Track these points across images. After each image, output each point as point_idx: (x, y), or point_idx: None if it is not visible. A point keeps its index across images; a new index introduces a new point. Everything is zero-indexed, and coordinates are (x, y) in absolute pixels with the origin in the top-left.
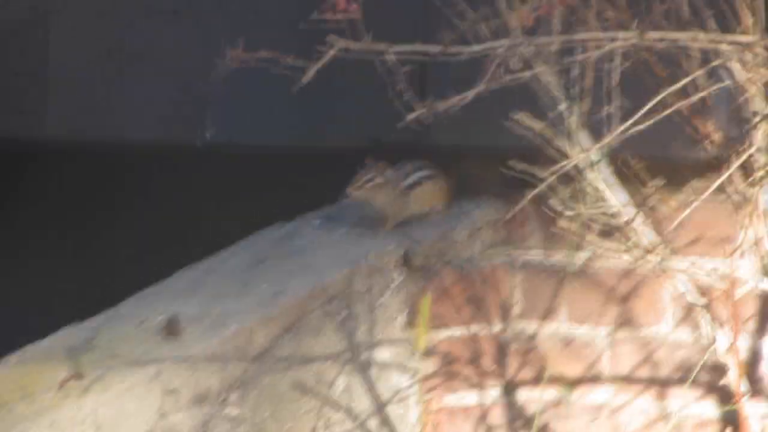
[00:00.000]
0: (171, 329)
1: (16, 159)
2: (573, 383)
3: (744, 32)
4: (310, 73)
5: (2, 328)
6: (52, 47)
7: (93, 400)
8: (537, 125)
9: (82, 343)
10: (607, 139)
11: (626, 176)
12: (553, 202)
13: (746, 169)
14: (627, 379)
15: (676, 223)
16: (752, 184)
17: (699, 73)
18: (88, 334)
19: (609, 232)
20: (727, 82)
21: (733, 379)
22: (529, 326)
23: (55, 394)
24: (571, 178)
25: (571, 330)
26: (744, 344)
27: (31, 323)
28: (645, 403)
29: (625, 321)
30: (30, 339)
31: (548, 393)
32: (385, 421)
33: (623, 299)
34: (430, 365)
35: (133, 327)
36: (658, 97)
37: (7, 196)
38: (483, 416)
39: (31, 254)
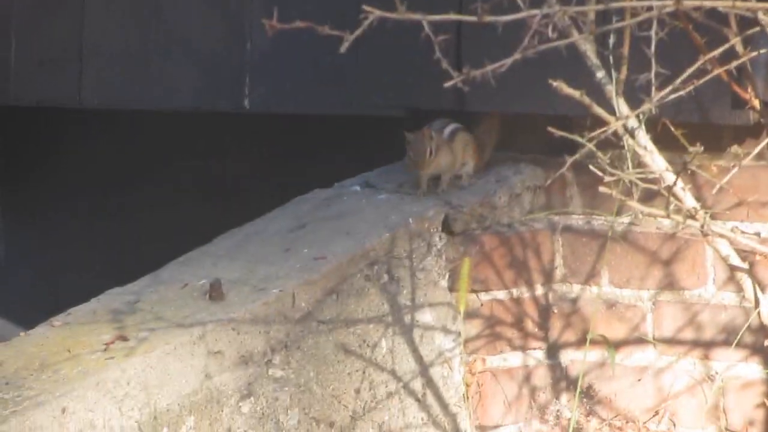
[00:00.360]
0: (214, 293)
1: (53, 127)
2: (617, 345)
3: None
4: (347, 43)
5: (45, 290)
6: (87, 16)
7: (138, 362)
8: (576, 92)
9: (125, 306)
10: (646, 106)
11: (667, 142)
12: (594, 167)
13: None
14: (671, 341)
15: (717, 187)
16: None
17: (736, 40)
18: (132, 297)
19: (650, 197)
20: (766, 50)
21: None
22: (572, 289)
23: (100, 356)
24: (612, 144)
25: (614, 293)
26: None
27: (72, 286)
28: (689, 364)
29: (668, 284)
30: (73, 302)
31: (592, 354)
32: (429, 382)
33: (665, 262)
34: (473, 328)
35: (176, 291)
36: (697, 64)
37: (44, 163)
38: (527, 377)
39: (69, 221)
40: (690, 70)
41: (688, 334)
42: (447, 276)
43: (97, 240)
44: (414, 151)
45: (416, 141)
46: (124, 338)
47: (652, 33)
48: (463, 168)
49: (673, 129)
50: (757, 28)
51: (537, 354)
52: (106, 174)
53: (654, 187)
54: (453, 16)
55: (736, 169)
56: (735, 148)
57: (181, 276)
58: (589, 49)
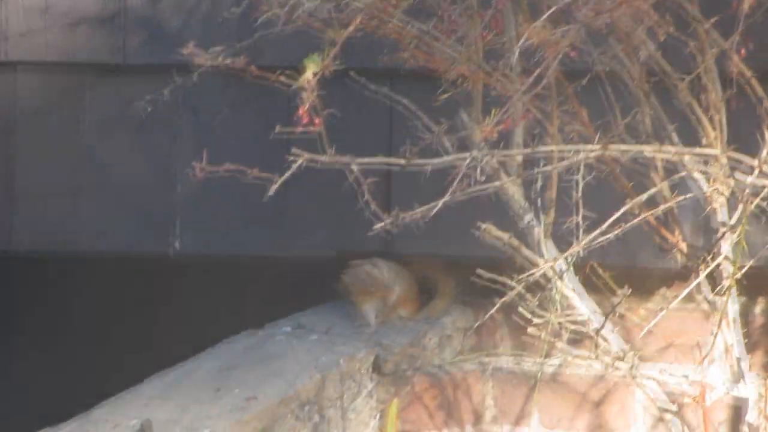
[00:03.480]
0: None
1: None
2: None
3: (708, 145)
4: (276, 185)
5: None
6: (19, 159)
7: None
8: (504, 235)
9: None
10: (574, 249)
11: (595, 285)
12: (522, 309)
13: (714, 278)
14: None
15: (645, 330)
16: (720, 293)
17: (663, 184)
18: None
19: (578, 339)
20: (693, 194)
21: None
22: (502, 430)
23: None
24: (540, 286)
25: None
26: None
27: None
28: None
29: (597, 427)
30: None
31: None
32: None
33: (595, 405)
34: None
35: None
36: (624, 208)
37: None
38: None
39: None
40: (617, 214)
41: None
42: (378, 416)
43: (27, 381)
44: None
45: (360, 266)
46: None
47: (579, 177)
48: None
49: (601, 272)
50: (684, 173)
51: None
52: (34, 318)
53: (583, 329)
54: (381, 159)
55: (663, 312)
56: (663, 291)
57: (112, 417)
58: (516, 192)
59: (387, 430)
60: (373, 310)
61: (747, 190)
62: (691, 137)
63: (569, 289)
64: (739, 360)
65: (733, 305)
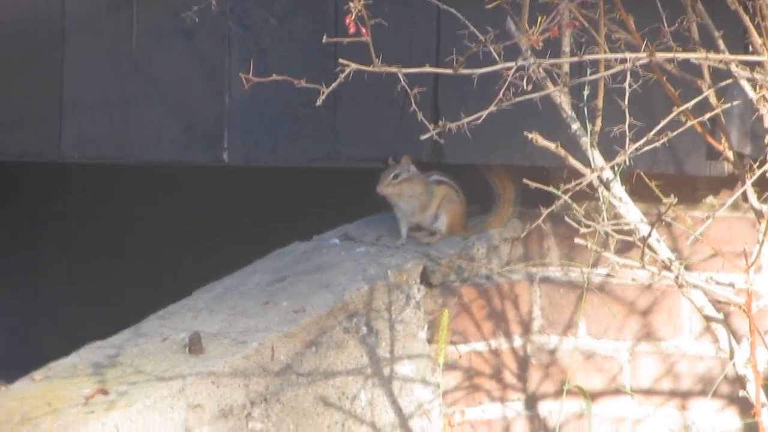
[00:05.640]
0: (193, 346)
1: (33, 180)
2: (595, 395)
3: (754, 51)
4: (324, 95)
5: (24, 345)
6: (67, 70)
7: (118, 416)
8: (551, 144)
9: (106, 359)
10: (621, 157)
11: (642, 193)
12: (570, 219)
13: (761, 185)
14: (648, 392)
15: (691, 238)
16: (767, 200)
17: (709, 92)
18: (112, 351)
19: (626, 248)
20: (739, 101)
21: (753, 391)
22: (550, 340)
23: (80, 410)
24: (587, 195)
25: (592, 343)
26: (763, 357)
27: (53, 340)
28: (666, 415)
29: (645, 335)
30: (53, 356)
31: (571, 405)
32: None
33: (642, 313)
34: (452, 379)
35: (156, 344)
36: (671, 116)
37: (25, 217)
38: (506, 429)
39: (48, 274)
40: (664, 122)
41: (666, 385)
42: (426, 328)
43: (78, 293)
44: (383, 173)
45: (391, 165)
46: (104, 392)
47: (626, 85)
48: (435, 222)
49: (647, 180)
50: (731, 80)
51: (516, 405)
52: (88, 227)
53: (629, 238)
54: (429, 69)
55: (710, 220)
56: (710, 199)
57: (162, 329)
58: (564, 101)
59: (438, 341)
60: (405, 224)
61: None
62: (738, 44)
63: (616, 197)
64: None
65: None
